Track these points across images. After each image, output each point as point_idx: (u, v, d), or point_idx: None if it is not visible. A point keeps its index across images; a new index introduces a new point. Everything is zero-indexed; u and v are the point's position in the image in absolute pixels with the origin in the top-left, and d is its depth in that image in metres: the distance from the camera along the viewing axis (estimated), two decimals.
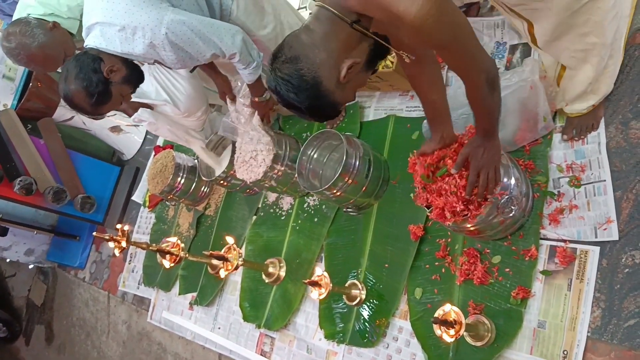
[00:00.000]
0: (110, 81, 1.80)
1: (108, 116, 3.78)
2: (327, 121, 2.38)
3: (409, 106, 2.20)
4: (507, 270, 1.66)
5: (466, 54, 1.18)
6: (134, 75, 1.88)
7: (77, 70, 1.76)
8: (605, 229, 1.53)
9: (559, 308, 1.55)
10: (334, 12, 1.12)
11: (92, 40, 1.78)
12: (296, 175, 2.17)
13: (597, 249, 1.54)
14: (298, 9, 2.91)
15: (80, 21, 2.17)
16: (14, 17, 2.23)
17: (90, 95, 1.78)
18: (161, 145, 3.54)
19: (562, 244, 1.60)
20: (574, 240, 1.58)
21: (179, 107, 2.46)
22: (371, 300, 1.99)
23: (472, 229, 1.57)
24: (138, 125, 3.88)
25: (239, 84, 2.32)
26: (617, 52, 1.48)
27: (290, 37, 1.18)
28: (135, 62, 1.87)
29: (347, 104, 1.42)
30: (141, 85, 2.35)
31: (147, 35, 1.71)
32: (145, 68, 2.43)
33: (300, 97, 1.16)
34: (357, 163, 1.97)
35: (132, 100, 2.39)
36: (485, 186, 1.46)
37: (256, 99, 2.18)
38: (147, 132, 3.87)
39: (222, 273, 1.88)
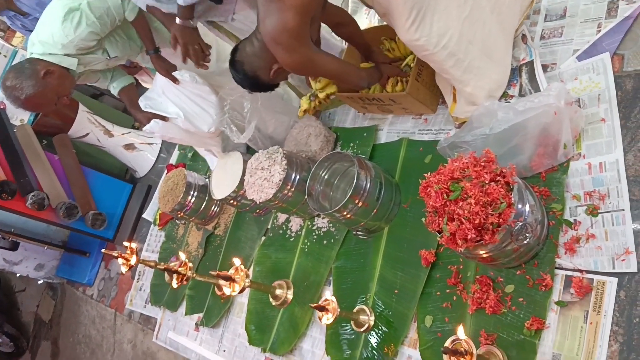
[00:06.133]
0: None
1: (123, 134, 3.83)
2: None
3: (421, 129, 2.18)
4: (521, 299, 1.61)
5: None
6: None
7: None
8: (623, 260, 1.48)
9: (574, 341, 1.49)
10: None
11: None
12: (306, 196, 2.15)
13: (614, 280, 1.48)
14: None
15: (79, 56, 2.32)
16: (28, 48, 2.35)
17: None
18: (174, 163, 3.55)
19: (578, 274, 1.54)
20: (591, 270, 1.53)
21: (197, 125, 2.49)
22: (380, 327, 1.94)
23: (485, 255, 1.53)
24: (152, 144, 3.91)
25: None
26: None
27: (242, 43, 1.85)
28: None
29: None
30: (159, 98, 2.41)
31: None
32: (159, 84, 2.47)
33: (245, 83, 1.92)
34: (368, 185, 1.94)
35: (148, 110, 2.45)
36: None
37: (180, 21, 2.12)
38: (161, 151, 3.89)
39: (227, 291, 1.85)
